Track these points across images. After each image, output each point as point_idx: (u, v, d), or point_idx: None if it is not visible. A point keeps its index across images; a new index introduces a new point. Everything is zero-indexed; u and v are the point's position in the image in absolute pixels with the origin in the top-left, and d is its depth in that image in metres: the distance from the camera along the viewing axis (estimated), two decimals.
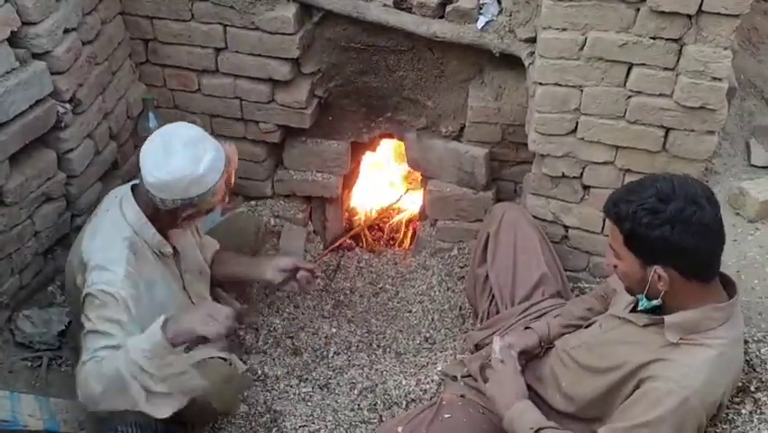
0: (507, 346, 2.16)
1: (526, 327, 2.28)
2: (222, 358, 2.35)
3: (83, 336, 2.05)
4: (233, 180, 2.27)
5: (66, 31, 2.47)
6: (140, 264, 2.19)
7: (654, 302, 1.83)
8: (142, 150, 2.14)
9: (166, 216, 2.20)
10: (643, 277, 1.79)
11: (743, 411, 1.96)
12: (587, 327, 2.15)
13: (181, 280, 2.41)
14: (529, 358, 2.21)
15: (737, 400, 1.99)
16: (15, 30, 2.29)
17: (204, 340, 2.06)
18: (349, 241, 3.52)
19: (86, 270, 2.12)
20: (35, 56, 2.38)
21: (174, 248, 2.35)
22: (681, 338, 1.77)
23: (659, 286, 1.77)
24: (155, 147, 2.11)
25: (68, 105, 2.51)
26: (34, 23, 2.34)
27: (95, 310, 2.05)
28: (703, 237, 1.71)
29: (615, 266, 1.88)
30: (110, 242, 2.16)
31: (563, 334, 2.21)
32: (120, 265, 2.11)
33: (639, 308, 1.89)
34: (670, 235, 1.69)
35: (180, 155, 2.08)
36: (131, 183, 2.32)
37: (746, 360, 2.04)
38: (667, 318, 1.79)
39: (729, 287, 1.83)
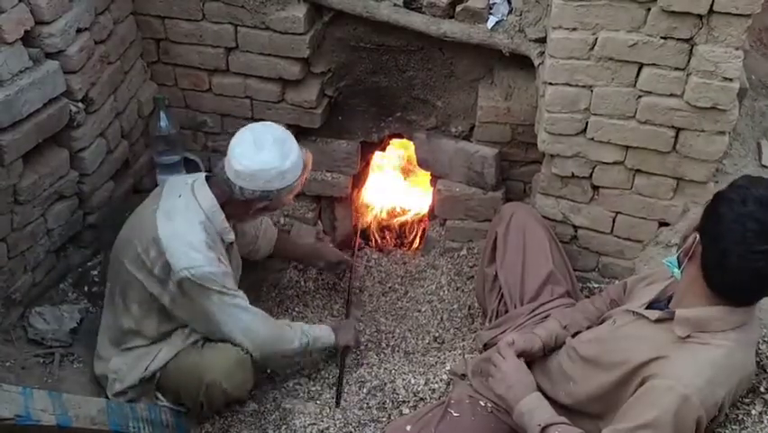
0: (510, 344, 2.16)
1: (532, 332, 2.27)
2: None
3: (221, 316, 2.36)
4: (303, 185, 2.44)
5: (79, 30, 2.49)
6: (212, 247, 2.33)
7: (676, 271, 1.81)
8: (233, 140, 2.31)
9: (238, 206, 2.35)
10: (687, 236, 1.79)
11: (752, 412, 1.96)
12: (600, 322, 2.15)
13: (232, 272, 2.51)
14: (530, 361, 2.21)
15: (747, 400, 1.99)
16: (29, 29, 2.31)
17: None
18: (359, 240, 3.52)
19: (161, 248, 2.27)
20: (48, 55, 2.41)
21: (231, 242, 2.47)
22: (689, 335, 1.76)
23: (682, 252, 1.77)
24: (246, 139, 2.29)
25: (80, 105, 2.53)
26: (48, 23, 2.36)
27: (215, 288, 2.31)
28: (747, 264, 1.64)
29: None
30: (188, 224, 2.30)
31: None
32: (203, 245, 2.29)
33: (664, 261, 1.87)
34: (730, 231, 1.64)
35: (269, 149, 2.27)
36: (200, 174, 2.46)
37: (756, 361, 2.03)
38: (678, 312, 1.79)
39: None
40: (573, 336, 2.18)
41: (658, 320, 1.84)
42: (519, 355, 2.14)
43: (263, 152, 2.26)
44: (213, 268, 2.30)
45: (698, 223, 1.77)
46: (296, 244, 3.13)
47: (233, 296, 2.37)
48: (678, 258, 1.82)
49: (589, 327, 2.19)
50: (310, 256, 3.12)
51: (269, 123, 2.43)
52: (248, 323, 2.42)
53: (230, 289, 2.36)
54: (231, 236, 2.42)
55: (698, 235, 1.74)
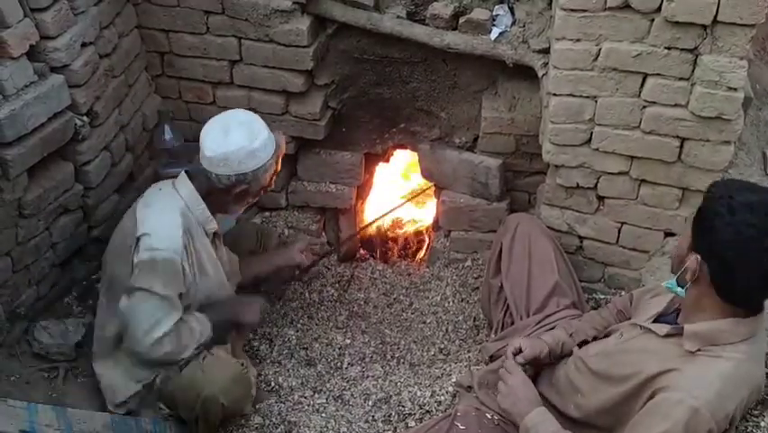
0: (519, 352, 2.14)
1: (539, 338, 2.26)
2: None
3: (142, 298, 2.26)
4: (279, 166, 2.46)
5: (84, 44, 2.50)
6: (191, 236, 2.35)
7: (679, 290, 1.81)
8: (202, 131, 2.37)
9: (219, 195, 2.39)
10: (683, 258, 1.77)
11: (762, 424, 1.94)
12: (606, 335, 2.14)
13: (221, 265, 2.52)
14: (538, 368, 2.19)
15: (756, 412, 1.97)
16: (34, 44, 2.32)
17: (239, 327, 2.57)
18: (363, 252, 3.52)
19: (138, 233, 2.28)
20: (53, 69, 2.41)
21: (216, 233, 2.48)
22: (699, 349, 1.75)
23: (687, 276, 1.75)
24: (214, 127, 2.35)
25: (85, 118, 2.54)
26: (53, 38, 2.37)
27: (155, 276, 2.25)
28: (755, 269, 1.65)
29: None
30: (165, 211, 2.33)
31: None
32: (177, 231, 2.30)
33: (664, 285, 1.86)
34: (730, 242, 1.64)
35: (237, 132, 2.32)
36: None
37: (766, 373, 2.01)
38: (687, 327, 1.78)
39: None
40: (580, 345, 2.18)
41: (667, 335, 1.83)
42: (528, 363, 2.13)
43: (231, 135, 2.30)
44: (173, 255, 2.27)
45: (689, 243, 1.75)
46: (254, 271, 2.86)
47: (165, 292, 2.28)
48: (677, 281, 1.81)
49: (595, 338, 2.18)
50: (273, 270, 2.92)
51: (234, 109, 2.47)
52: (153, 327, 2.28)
53: (168, 286, 2.28)
54: (213, 225, 2.42)
55: (698, 256, 1.72)
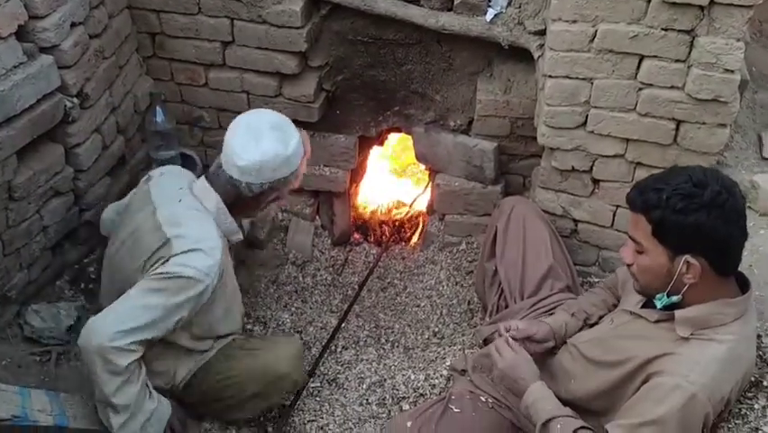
0: (515, 329, 2.12)
1: (540, 320, 2.25)
2: None
3: (134, 295, 2.03)
4: (305, 167, 2.32)
5: (73, 24, 2.46)
6: (225, 254, 2.23)
7: (674, 299, 1.79)
8: (227, 136, 2.18)
9: (248, 203, 2.24)
10: (669, 270, 1.74)
11: (756, 406, 1.95)
12: (597, 322, 2.14)
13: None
14: (537, 350, 2.17)
15: (750, 395, 1.98)
16: (23, 24, 2.28)
17: None
18: (357, 236, 3.51)
19: (175, 251, 2.06)
20: (42, 50, 2.37)
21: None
22: (692, 333, 1.75)
23: (685, 279, 1.73)
24: (242, 132, 2.15)
25: (75, 100, 2.51)
26: (42, 17, 2.33)
27: (171, 290, 2.03)
28: (735, 225, 1.69)
29: (630, 265, 1.84)
30: (204, 229, 2.14)
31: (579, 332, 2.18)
32: (218, 252, 2.12)
33: (658, 306, 1.83)
34: (705, 221, 1.66)
35: (270, 138, 2.14)
36: (171, 168, 2.39)
37: (759, 355, 2.02)
38: (677, 313, 1.77)
39: (742, 282, 1.81)
40: (584, 325, 2.18)
41: (657, 321, 1.83)
42: (524, 340, 2.11)
43: (263, 141, 2.12)
44: (205, 279, 2.07)
45: (665, 255, 1.73)
46: None
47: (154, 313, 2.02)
48: (667, 294, 1.79)
49: (601, 317, 2.17)
50: None
51: (258, 110, 2.30)
52: (116, 324, 1.99)
53: (169, 308, 2.04)
54: (239, 236, 2.29)
55: (687, 256, 1.71)
